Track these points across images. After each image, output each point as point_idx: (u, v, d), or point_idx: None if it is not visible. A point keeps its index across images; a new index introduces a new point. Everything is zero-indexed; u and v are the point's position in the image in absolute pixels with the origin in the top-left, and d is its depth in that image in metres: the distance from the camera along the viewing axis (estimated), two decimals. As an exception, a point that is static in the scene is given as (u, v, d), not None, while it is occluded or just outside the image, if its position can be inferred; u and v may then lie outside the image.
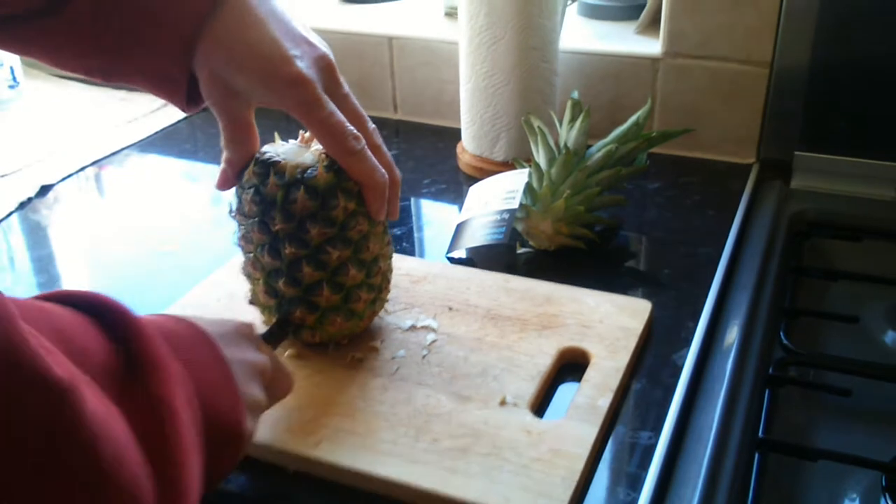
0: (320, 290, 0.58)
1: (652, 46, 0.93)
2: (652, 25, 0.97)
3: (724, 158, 0.93)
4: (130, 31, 0.53)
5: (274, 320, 0.60)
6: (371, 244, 0.59)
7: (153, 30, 0.53)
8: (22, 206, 0.91)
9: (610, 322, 0.64)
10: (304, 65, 0.54)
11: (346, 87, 0.58)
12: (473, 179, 0.86)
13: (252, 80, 0.54)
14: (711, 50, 0.89)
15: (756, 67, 0.88)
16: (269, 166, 0.57)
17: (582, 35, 0.99)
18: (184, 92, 0.56)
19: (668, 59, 0.91)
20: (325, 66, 0.56)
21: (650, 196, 0.87)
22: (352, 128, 0.56)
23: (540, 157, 0.77)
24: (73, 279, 0.79)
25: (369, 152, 0.57)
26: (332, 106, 0.55)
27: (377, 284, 0.61)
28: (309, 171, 0.56)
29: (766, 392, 0.60)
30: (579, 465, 0.51)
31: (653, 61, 0.92)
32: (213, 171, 0.60)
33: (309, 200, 0.56)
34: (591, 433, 0.53)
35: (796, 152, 0.87)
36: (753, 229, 0.79)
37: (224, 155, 0.59)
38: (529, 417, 0.55)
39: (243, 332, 0.51)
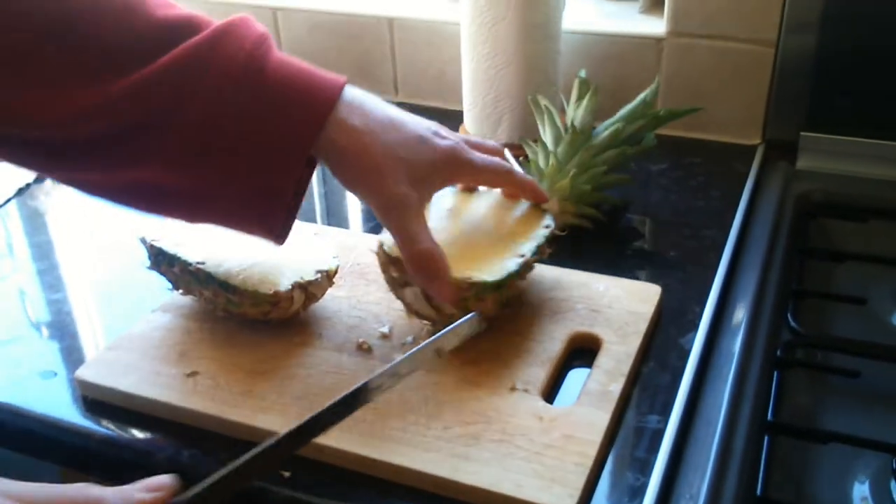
0: None
1: (656, 26, 0.92)
2: (656, 4, 0.96)
3: (730, 139, 0.92)
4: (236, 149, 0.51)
5: None
6: None
7: (264, 145, 0.51)
8: (20, 192, 0.90)
9: (619, 307, 0.63)
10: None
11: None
12: (477, 162, 0.86)
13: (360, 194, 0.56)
14: (716, 29, 0.88)
15: (762, 47, 0.87)
16: None
17: (585, 14, 0.98)
18: (284, 208, 0.53)
19: (673, 39, 0.90)
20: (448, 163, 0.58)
21: (655, 177, 0.87)
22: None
23: (546, 136, 0.77)
24: (72, 265, 0.78)
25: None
26: (425, 234, 0.54)
27: None
28: None
29: (775, 374, 0.60)
30: (592, 451, 0.51)
31: (657, 41, 0.91)
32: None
33: None
34: (603, 419, 0.53)
35: (802, 133, 0.86)
36: (759, 211, 0.79)
37: None
38: (540, 403, 0.55)
39: None
